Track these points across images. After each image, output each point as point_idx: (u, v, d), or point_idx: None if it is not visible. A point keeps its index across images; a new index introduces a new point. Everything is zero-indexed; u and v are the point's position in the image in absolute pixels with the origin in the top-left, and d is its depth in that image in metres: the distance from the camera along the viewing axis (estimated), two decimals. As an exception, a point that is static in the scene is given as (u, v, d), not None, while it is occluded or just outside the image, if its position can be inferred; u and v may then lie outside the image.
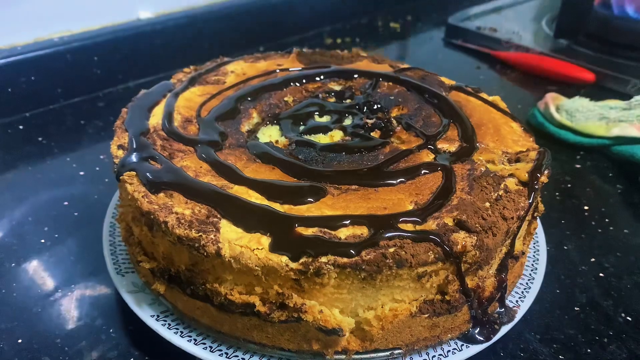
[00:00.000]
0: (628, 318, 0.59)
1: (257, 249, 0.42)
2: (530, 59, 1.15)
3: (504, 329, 0.51)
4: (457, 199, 0.48)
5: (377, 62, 0.75)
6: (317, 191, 0.48)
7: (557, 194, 0.78)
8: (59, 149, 0.86)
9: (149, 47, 1.05)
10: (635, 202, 0.77)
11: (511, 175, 0.52)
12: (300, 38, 1.31)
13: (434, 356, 0.49)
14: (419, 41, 1.37)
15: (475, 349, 0.50)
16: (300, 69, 0.71)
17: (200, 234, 0.43)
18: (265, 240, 0.43)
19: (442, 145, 0.56)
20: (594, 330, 0.57)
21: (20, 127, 0.91)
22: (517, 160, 0.54)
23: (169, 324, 0.51)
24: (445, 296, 0.46)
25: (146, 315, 0.52)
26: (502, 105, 0.66)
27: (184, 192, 0.47)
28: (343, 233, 0.43)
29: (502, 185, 0.50)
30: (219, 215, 0.45)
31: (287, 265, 0.41)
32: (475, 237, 0.45)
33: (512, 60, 1.18)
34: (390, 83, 0.67)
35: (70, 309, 0.57)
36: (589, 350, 0.55)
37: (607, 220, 0.73)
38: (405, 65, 0.74)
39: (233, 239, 0.43)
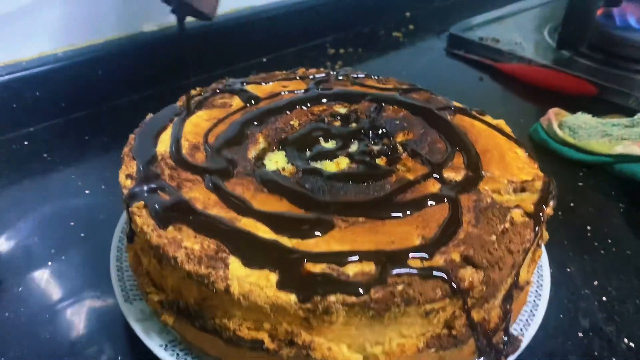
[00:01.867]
0: (631, 344, 0.59)
1: (266, 286, 0.43)
2: (532, 71, 1.16)
3: (510, 359, 0.52)
4: (464, 232, 0.48)
5: (383, 82, 0.75)
6: (324, 224, 0.48)
7: (559, 213, 0.79)
8: (64, 165, 0.86)
9: (153, 59, 1.05)
10: (637, 222, 0.77)
11: (517, 206, 0.52)
12: (302, 48, 1.31)
13: (440, 387, 0.50)
14: (421, 51, 1.37)
15: (480, 379, 0.51)
16: (304, 90, 0.71)
17: (209, 270, 0.44)
18: (274, 277, 0.43)
19: (448, 174, 0.56)
20: (597, 357, 0.58)
21: (25, 142, 0.91)
22: (523, 190, 0.55)
23: (177, 354, 0.51)
24: (452, 330, 0.47)
25: (155, 344, 0.52)
26: (507, 129, 0.66)
27: (193, 226, 0.47)
28: (351, 269, 0.44)
29: (508, 217, 0.50)
30: (227, 251, 0.45)
31: (295, 303, 0.42)
32: (482, 273, 0.45)
33: (514, 72, 1.18)
34: (395, 107, 0.68)
35: (78, 335, 0.58)
36: (592, 378, 0.55)
37: (609, 240, 0.74)
38: (411, 86, 0.74)
39: (242, 276, 0.43)
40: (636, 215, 0.79)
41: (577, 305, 0.64)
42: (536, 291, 0.60)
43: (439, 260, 0.45)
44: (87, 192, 0.80)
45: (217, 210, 0.50)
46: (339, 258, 0.45)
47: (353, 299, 0.42)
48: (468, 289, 0.44)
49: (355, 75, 0.76)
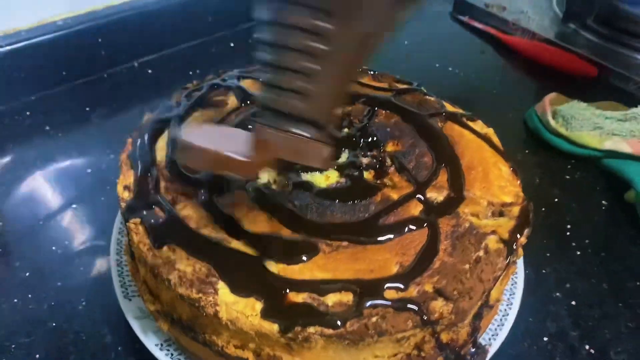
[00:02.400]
0: (591, 350, 0.64)
1: (252, 315, 0.47)
2: (535, 47, 1.15)
3: (476, 367, 0.57)
4: (439, 261, 0.52)
5: (378, 79, 0.76)
6: (310, 248, 0.52)
7: (543, 209, 0.82)
8: (66, 140, 0.89)
9: (154, 25, 1.05)
10: (616, 222, 0.81)
11: (493, 232, 0.55)
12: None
13: (409, 395, 0.55)
14: (426, 15, 1.34)
15: (446, 388, 0.56)
16: (300, 87, 0.72)
17: (200, 295, 0.48)
18: (259, 306, 0.47)
19: (430, 194, 0.58)
20: (558, 363, 0.63)
21: (27, 112, 0.93)
22: (501, 214, 0.58)
23: (172, 354, 0.56)
24: (422, 352, 0.51)
25: (151, 343, 0.57)
26: (495, 139, 0.68)
27: (185, 248, 0.51)
28: (331, 299, 0.48)
29: (483, 245, 0.54)
30: (217, 276, 0.49)
31: (278, 332, 0.46)
32: (452, 305, 0.49)
33: (516, 46, 1.17)
34: (388, 112, 0.69)
35: (82, 325, 0.63)
36: (551, 384, 0.61)
37: (587, 241, 0.77)
38: (405, 86, 0.75)
39: (230, 302, 0.47)
40: (617, 215, 0.82)
41: (547, 308, 0.68)
42: (508, 299, 0.64)
43: (412, 291, 0.49)
44: (88, 171, 0.83)
45: (209, 230, 0.53)
46: (320, 287, 0.48)
47: (330, 331, 0.46)
48: (437, 320, 0.48)
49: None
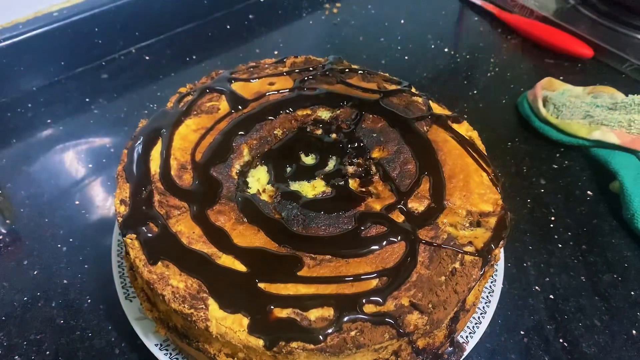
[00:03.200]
0: (565, 344, 0.68)
1: (239, 330, 0.51)
2: (532, 26, 1.14)
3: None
4: (416, 274, 0.55)
5: (367, 80, 0.77)
6: (295, 263, 0.55)
7: (528, 200, 0.84)
8: (68, 132, 0.91)
9: (149, 10, 1.05)
10: (600, 213, 0.83)
11: (470, 243, 0.58)
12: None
13: (389, 392, 0.59)
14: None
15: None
16: (289, 89, 0.74)
17: (192, 310, 0.51)
18: (246, 322, 0.51)
19: (412, 204, 0.61)
20: (532, 356, 0.67)
21: (29, 104, 0.96)
22: (478, 224, 0.60)
23: (171, 354, 0.61)
24: (399, 358, 0.55)
25: (151, 343, 0.61)
26: (479, 143, 0.70)
27: (178, 264, 0.54)
28: (313, 314, 0.51)
29: (458, 257, 0.57)
30: (207, 292, 0.53)
31: (263, 346, 0.50)
32: (427, 318, 0.52)
33: (514, 24, 1.17)
34: (375, 116, 0.71)
35: (88, 322, 0.67)
36: (524, 376, 0.65)
37: (569, 233, 0.80)
38: (394, 86, 0.76)
39: (219, 318, 0.51)
40: (601, 206, 0.84)
41: (525, 302, 0.72)
42: (487, 297, 0.67)
43: (390, 305, 0.53)
44: (90, 166, 0.86)
45: (200, 245, 0.56)
46: (304, 302, 0.52)
47: (311, 346, 0.50)
48: (412, 332, 0.52)
49: (342, 69, 0.78)
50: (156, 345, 0.61)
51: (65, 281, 0.71)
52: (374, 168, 0.66)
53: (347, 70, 0.78)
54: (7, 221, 0.78)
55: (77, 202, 0.81)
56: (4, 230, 0.77)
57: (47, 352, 0.64)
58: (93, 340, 0.66)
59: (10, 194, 0.82)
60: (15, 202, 0.81)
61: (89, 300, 0.69)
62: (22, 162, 0.87)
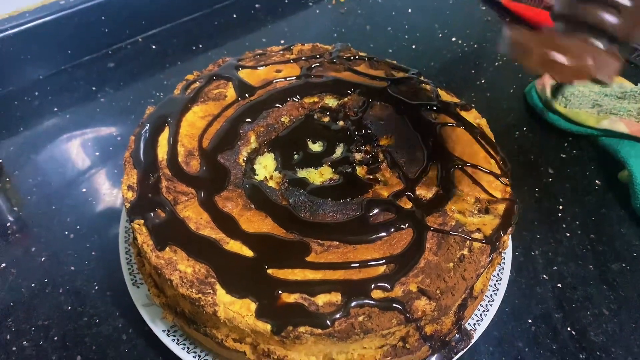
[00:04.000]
0: (573, 332, 0.68)
1: (247, 315, 0.51)
2: (540, 15, 1.13)
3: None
4: (424, 260, 0.55)
5: (375, 67, 0.77)
6: (302, 249, 0.55)
7: (536, 189, 0.84)
8: (74, 121, 0.91)
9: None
10: (608, 202, 0.83)
11: (478, 229, 0.58)
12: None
13: (396, 378, 0.59)
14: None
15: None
16: (296, 77, 0.74)
17: (199, 295, 0.51)
18: (254, 307, 0.51)
19: (420, 191, 0.61)
20: (540, 344, 0.66)
21: (36, 93, 0.96)
22: (487, 211, 0.60)
23: (178, 339, 0.61)
24: (406, 344, 0.55)
25: (158, 329, 0.61)
26: (488, 131, 0.69)
27: (185, 249, 0.54)
28: (321, 299, 0.51)
29: (467, 244, 0.57)
30: (215, 277, 0.53)
31: (270, 331, 0.50)
32: (435, 303, 0.52)
33: (522, 13, 1.16)
34: (382, 103, 0.70)
35: (95, 308, 0.67)
36: (532, 364, 0.65)
37: (577, 222, 0.80)
38: (401, 74, 0.76)
39: (227, 303, 0.51)
40: (609, 195, 0.84)
41: (533, 291, 0.72)
42: (495, 284, 0.67)
43: (398, 290, 0.52)
44: (97, 154, 0.86)
45: (208, 231, 0.56)
46: (311, 288, 0.52)
47: (319, 330, 0.50)
48: (420, 317, 0.52)
49: (349, 56, 0.78)
50: (163, 331, 0.61)
51: (72, 268, 0.71)
52: (381, 155, 0.66)
53: (354, 57, 0.78)
54: (15, 208, 0.79)
55: (84, 190, 0.81)
56: (11, 218, 0.78)
57: (55, 338, 0.65)
58: (100, 326, 0.66)
59: (18, 182, 0.82)
60: (22, 190, 0.81)
61: (97, 287, 0.69)
62: (29, 150, 0.87)
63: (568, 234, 0.78)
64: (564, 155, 0.90)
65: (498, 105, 0.98)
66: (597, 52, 0.45)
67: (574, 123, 0.91)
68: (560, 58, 0.44)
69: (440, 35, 1.14)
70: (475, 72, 1.05)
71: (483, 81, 1.02)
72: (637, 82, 0.92)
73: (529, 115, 0.96)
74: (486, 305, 0.65)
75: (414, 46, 1.11)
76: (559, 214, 0.81)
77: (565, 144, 0.91)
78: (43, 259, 0.72)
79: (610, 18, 0.44)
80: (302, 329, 0.50)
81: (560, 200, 0.83)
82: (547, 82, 0.95)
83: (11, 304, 0.68)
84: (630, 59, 1.06)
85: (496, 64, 1.07)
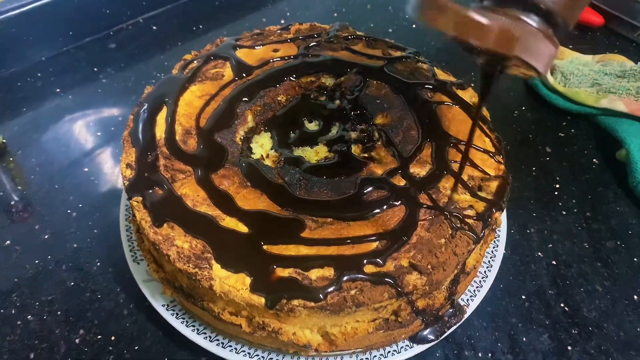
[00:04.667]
0: (566, 308, 0.69)
1: (242, 289, 0.52)
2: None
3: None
4: (416, 236, 0.56)
5: (372, 46, 0.77)
6: (297, 225, 0.56)
7: (533, 168, 0.84)
8: (76, 101, 0.93)
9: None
10: (605, 181, 0.83)
11: (470, 206, 0.59)
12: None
13: (389, 352, 0.61)
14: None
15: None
16: (293, 56, 0.74)
17: (196, 269, 0.53)
18: (249, 280, 0.52)
19: (414, 169, 0.62)
20: (533, 319, 0.68)
21: (39, 74, 0.97)
22: (480, 189, 0.61)
23: (177, 314, 0.62)
24: (398, 318, 0.56)
25: (158, 304, 0.63)
26: (483, 109, 0.70)
27: (183, 225, 0.56)
28: (314, 274, 0.52)
29: (459, 221, 0.57)
30: (211, 252, 0.54)
31: (265, 304, 0.51)
32: (426, 278, 0.53)
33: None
34: (379, 82, 0.71)
35: (97, 284, 0.69)
36: (524, 339, 0.66)
37: (573, 201, 0.80)
38: (399, 53, 0.76)
39: (223, 277, 0.53)
40: (607, 173, 0.84)
41: (528, 268, 0.73)
42: (489, 262, 0.68)
43: (390, 265, 0.53)
44: (98, 134, 0.87)
45: (205, 208, 0.57)
46: (305, 263, 0.53)
47: (312, 304, 0.51)
48: (411, 291, 0.53)
49: (346, 36, 0.78)
50: (163, 305, 0.63)
51: (75, 245, 0.73)
52: (376, 134, 0.66)
53: (351, 37, 0.78)
54: (19, 187, 0.80)
55: (86, 169, 0.82)
56: (15, 197, 0.79)
57: (59, 313, 0.66)
58: (102, 301, 0.67)
59: (21, 162, 0.84)
60: (26, 169, 0.83)
61: (98, 264, 0.71)
62: (32, 130, 0.88)
63: (564, 212, 0.79)
64: (562, 134, 0.90)
65: (498, 85, 0.98)
66: (529, 32, 0.39)
67: (572, 102, 0.91)
68: (481, 19, 0.38)
69: (441, 15, 1.14)
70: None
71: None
72: (637, 61, 0.92)
73: (529, 95, 0.96)
74: (480, 281, 0.66)
75: (414, 26, 1.11)
76: (556, 193, 0.81)
77: (564, 123, 0.92)
78: (46, 237, 0.74)
79: None
80: (295, 302, 0.51)
81: (557, 178, 0.83)
82: (547, 61, 0.94)
83: (15, 280, 0.69)
84: (632, 38, 1.06)
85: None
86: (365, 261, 0.53)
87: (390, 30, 1.09)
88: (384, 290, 0.52)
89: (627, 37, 1.06)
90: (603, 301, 0.69)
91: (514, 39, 0.39)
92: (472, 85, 0.74)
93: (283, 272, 0.52)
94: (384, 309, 0.55)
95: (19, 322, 0.65)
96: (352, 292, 0.52)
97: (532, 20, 0.39)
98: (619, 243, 0.75)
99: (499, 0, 0.40)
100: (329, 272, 0.53)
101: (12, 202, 0.78)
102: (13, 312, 0.66)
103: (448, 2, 0.38)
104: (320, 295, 0.51)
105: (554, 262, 0.73)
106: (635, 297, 0.70)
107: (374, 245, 0.55)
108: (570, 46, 1.03)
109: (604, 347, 0.65)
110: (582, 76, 0.91)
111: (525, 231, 0.77)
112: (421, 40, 1.07)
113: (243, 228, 0.56)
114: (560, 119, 0.92)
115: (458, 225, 0.57)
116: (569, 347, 0.65)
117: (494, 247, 0.69)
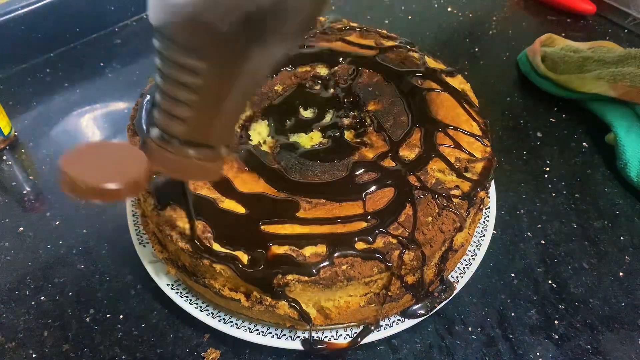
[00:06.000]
0: (553, 285, 0.72)
1: (241, 265, 0.55)
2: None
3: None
4: (404, 215, 0.59)
5: (365, 36, 0.80)
6: (292, 206, 0.60)
7: (524, 152, 0.87)
8: (84, 95, 0.96)
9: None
10: (594, 164, 0.86)
11: (456, 186, 0.62)
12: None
13: (382, 325, 0.64)
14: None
15: (415, 319, 0.65)
16: (291, 47, 0.77)
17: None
18: (246, 258, 0.56)
19: (403, 152, 0.65)
20: (521, 295, 0.70)
21: (48, 70, 1.01)
22: (466, 170, 0.64)
23: (181, 292, 0.66)
24: (389, 292, 0.60)
25: (163, 283, 0.67)
26: (471, 95, 0.73)
27: (184, 208, 0.59)
28: (308, 251, 0.56)
29: (445, 200, 0.61)
30: (211, 232, 0.57)
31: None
32: (413, 253, 0.57)
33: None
34: (371, 70, 0.74)
35: (106, 267, 0.73)
36: (512, 314, 0.69)
37: (562, 183, 0.83)
38: (391, 43, 0.79)
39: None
40: (595, 156, 0.87)
41: (517, 247, 0.75)
42: (478, 241, 0.71)
43: (379, 242, 0.57)
44: (105, 126, 0.91)
45: (205, 191, 0.61)
46: (299, 241, 0.56)
47: (306, 278, 0.54)
48: (400, 266, 0.57)
49: (340, 27, 0.81)
50: (168, 285, 0.66)
51: (84, 230, 0.77)
52: (368, 120, 0.70)
53: (345, 28, 0.81)
54: (30, 177, 0.84)
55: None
56: (27, 187, 0.83)
57: (70, 294, 0.70)
58: (111, 282, 0.71)
59: (33, 153, 0.87)
60: (37, 160, 0.86)
61: (107, 247, 0.75)
62: (42, 123, 0.92)
63: (553, 194, 0.82)
64: (553, 120, 0.93)
65: (491, 73, 1.01)
66: (187, 163, 0.43)
67: (563, 88, 0.93)
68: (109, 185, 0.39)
69: (435, 6, 1.17)
70: (469, 40, 1.07)
71: (477, 49, 1.05)
72: (626, 47, 0.94)
73: (521, 82, 0.99)
74: (469, 259, 0.69)
75: (410, 17, 1.14)
76: (545, 175, 0.84)
77: (555, 109, 0.94)
78: (57, 223, 0.78)
79: (178, 127, 0.41)
80: (290, 277, 0.54)
81: (547, 162, 0.86)
82: (538, 49, 0.97)
83: (29, 264, 0.73)
84: (624, 25, 1.08)
85: (490, 32, 1.10)
86: (356, 239, 0.57)
87: (387, 21, 1.12)
88: (373, 265, 0.55)
89: (619, 24, 1.08)
90: (589, 278, 0.72)
91: (138, 186, 0.41)
92: (466, 74, 0.77)
93: (279, 249, 0.56)
94: (375, 283, 0.58)
95: (33, 303, 0.69)
96: (344, 267, 0.55)
97: (191, 150, 0.43)
98: (606, 223, 0.78)
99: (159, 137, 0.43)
100: (321, 249, 0.56)
101: (25, 192, 0.82)
102: (27, 293, 0.70)
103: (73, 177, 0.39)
104: (314, 270, 0.54)
105: (542, 242, 0.76)
106: (621, 273, 0.72)
107: (365, 223, 0.58)
108: (563, 34, 1.05)
109: (589, 321, 0.68)
110: (571, 62, 0.94)
111: (515, 212, 0.79)
112: (416, 31, 1.10)
113: (241, 209, 0.59)
114: (552, 105, 0.95)
115: (444, 204, 0.60)
116: (556, 322, 0.68)
117: (483, 227, 0.72)
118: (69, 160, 0.40)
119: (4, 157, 0.87)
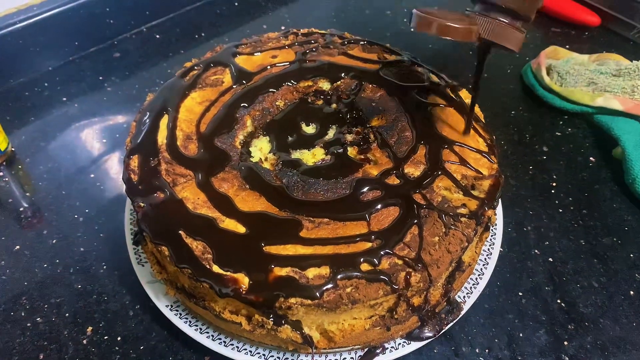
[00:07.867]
0: (562, 304, 0.70)
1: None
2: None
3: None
4: (410, 234, 0.57)
5: (368, 50, 0.79)
6: (295, 225, 0.58)
7: (530, 167, 0.86)
8: (82, 110, 0.95)
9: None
10: (602, 179, 0.84)
11: (463, 204, 0.60)
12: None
13: (387, 348, 0.62)
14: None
15: (422, 340, 0.63)
16: (291, 62, 0.76)
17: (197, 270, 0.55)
18: (247, 281, 0.54)
19: (408, 169, 0.63)
20: (530, 316, 0.69)
21: (46, 84, 0.99)
22: (473, 187, 0.62)
23: (180, 314, 0.64)
24: (395, 314, 0.58)
25: (162, 305, 0.65)
26: (477, 109, 0.71)
27: (184, 228, 0.57)
28: (311, 273, 0.54)
29: (452, 219, 0.59)
30: (211, 253, 0.56)
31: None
32: (420, 275, 0.55)
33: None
34: (374, 85, 0.73)
35: (103, 287, 0.71)
36: (521, 335, 0.67)
37: (570, 199, 0.81)
38: (394, 57, 0.78)
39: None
40: (603, 171, 0.85)
41: (524, 265, 0.74)
42: (485, 259, 0.69)
43: (385, 263, 0.55)
44: (104, 141, 0.90)
45: (205, 210, 0.59)
46: (302, 262, 0.55)
47: (309, 301, 0.52)
48: (406, 288, 0.55)
49: (342, 41, 0.80)
50: (167, 306, 0.65)
51: (82, 249, 0.75)
52: (372, 136, 0.68)
53: (348, 41, 0.80)
54: (27, 194, 0.82)
55: (92, 176, 0.84)
56: (24, 204, 0.82)
57: (67, 315, 0.68)
58: (109, 303, 0.69)
59: (30, 169, 0.86)
60: (34, 176, 0.85)
61: (104, 267, 0.73)
62: (40, 138, 0.91)
63: (561, 210, 0.80)
64: (559, 133, 0.91)
65: (495, 86, 1.00)
66: (502, 26, 0.57)
67: (569, 101, 0.92)
68: (451, 23, 0.55)
69: (439, 18, 1.15)
70: (472, 53, 1.06)
71: (480, 63, 1.04)
72: (632, 60, 0.93)
73: (525, 95, 0.98)
74: (476, 278, 0.68)
75: (412, 30, 1.12)
76: (552, 191, 0.83)
77: (561, 122, 0.93)
78: (54, 241, 0.76)
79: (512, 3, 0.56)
80: (292, 300, 0.52)
81: (554, 177, 0.84)
82: (543, 62, 0.96)
83: (25, 283, 0.72)
84: (628, 37, 1.07)
85: (494, 44, 1.08)
86: (361, 259, 0.55)
87: (388, 34, 1.11)
88: (379, 288, 0.54)
89: (624, 36, 1.07)
90: (599, 297, 0.70)
91: (472, 31, 0.57)
92: (470, 87, 0.75)
93: (281, 271, 0.54)
94: (380, 305, 0.57)
95: (28, 324, 0.67)
96: (348, 289, 0.53)
97: (504, 18, 0.57)
98: (614, 239, 0.76)
99: (482, 9, 0.58)
100: (325, 270, 0.54)
101: (22, 209, 0.81)
102: (23, 314, 0.68)
103: (432, 18, 0.55)
104: (317, 293, 0.53)
105: (550, 259, 0.74)
106: (632, 292, 0.71)
107: (369, 244, 0.57)
108: (568, 46, 1.04)
109: (600, 342, 0.66)
110: (577, 75, 0.92)
111: (522, 229, 0.78)
112: (418, 43, 1.09)
113: (242, 229, 0.58)
114: (557, 119, 0.93)
115: (451, 224, 0.58)
116: (566, 342, 0.66)
117: (490, 245, 0.70)
118: (423, 10, 0.56)
119: (1, 174, 0.85)
